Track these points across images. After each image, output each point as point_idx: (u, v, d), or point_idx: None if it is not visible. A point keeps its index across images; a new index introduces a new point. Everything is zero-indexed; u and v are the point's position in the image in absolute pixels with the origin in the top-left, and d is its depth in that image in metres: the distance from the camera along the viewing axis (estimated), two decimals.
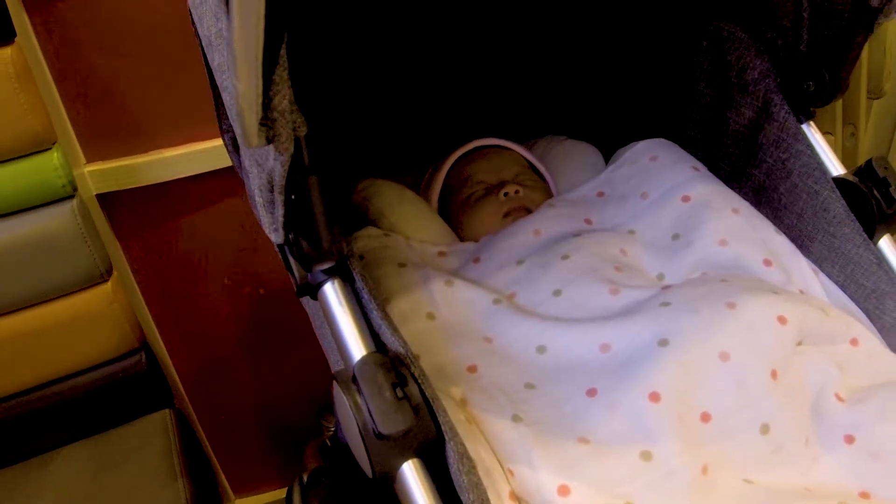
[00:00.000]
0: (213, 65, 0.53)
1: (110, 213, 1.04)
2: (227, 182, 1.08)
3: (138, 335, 1.02)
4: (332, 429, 1.23)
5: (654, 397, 0.51)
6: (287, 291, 1.20)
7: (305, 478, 0.90)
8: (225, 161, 1.03)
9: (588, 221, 0.75)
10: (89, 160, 1.01)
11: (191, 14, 0.58)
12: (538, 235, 0.72)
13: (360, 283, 0.49)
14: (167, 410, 1.06)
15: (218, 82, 0.53)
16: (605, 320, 0.58)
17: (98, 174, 1.00)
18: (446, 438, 0.44)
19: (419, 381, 0.45)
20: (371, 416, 0.42)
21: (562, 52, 0.87)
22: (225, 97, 0.51)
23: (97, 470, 1.00)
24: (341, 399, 0.45)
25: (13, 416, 0.99)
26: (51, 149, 0.88)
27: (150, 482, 0.97)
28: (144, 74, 1.00)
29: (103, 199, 1.02)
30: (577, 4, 0.83)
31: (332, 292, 0.48)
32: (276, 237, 0.47)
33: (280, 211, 0.44)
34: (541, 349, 0.58)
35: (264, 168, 0.43)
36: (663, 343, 0.54)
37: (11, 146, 0.85)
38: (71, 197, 0.91)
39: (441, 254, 0.73)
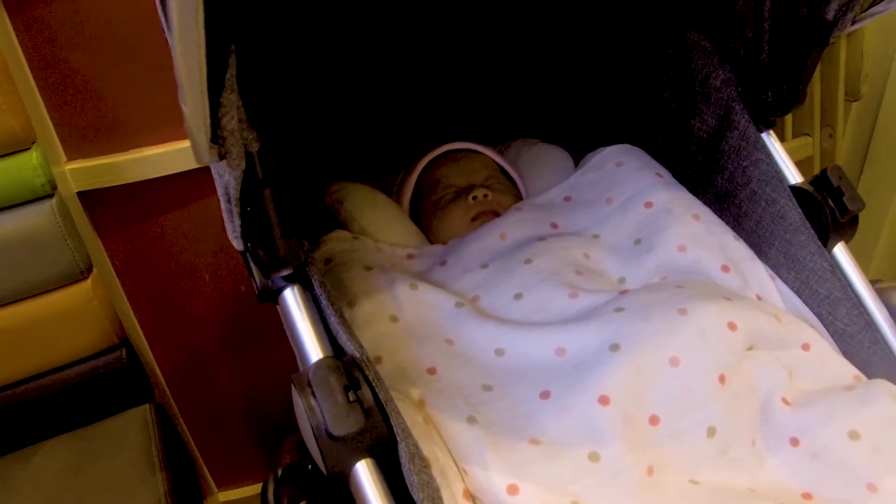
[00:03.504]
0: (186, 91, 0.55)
1: (91, 210, 1.06)
2: (207, 180, 1.08)
3: (118, 331, 1.04)
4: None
5: (604, 400, 0.53)
6: None
7: (280, 472, 0.92)
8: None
9: (554, 226, 0.76)
10: (70, 158, 1.02)
11: (162, 21, 0.59)
12: (504, 239, 0.73)
13: (318, 290, 0.51)
14: (147, 405, 1.08)
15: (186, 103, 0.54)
16: (562, 324, 0.60)
17: (79, 172, 1.01)
18: (398, 439, 0.46)
19: (373, 384, 0.47)
20: (323, 417, 0.44)
21: (534, 57, 0.89)
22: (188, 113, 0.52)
23: (78, 463, 1.02)
24: (297, 401, 0.46)
25: (10, 406, 1.01)
26: (30, 148, 0.89)
27: (130, 475, 0.98)
28: (125, 74, 1.01)
29: (84, 196, 1.03)
30: (550, 10, 0.85)
31: (291, 298, 0.50)
32: (237, 244, 0.49)
33: (237, 221, 0.46)
34: (499, 352, 0.60)
35: (221, 181, 0.45)
36: (614, 348, 0.56)
37: (5, 141, 0.86)
38: (50, 196, 0.92)
39: (409, 256, 0.75)
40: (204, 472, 1.38)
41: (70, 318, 1.00)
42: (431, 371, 0.59)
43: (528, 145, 0.90)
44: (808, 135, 1.41)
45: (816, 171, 0.72)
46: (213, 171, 0.51)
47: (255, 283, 0.51)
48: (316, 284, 0.50)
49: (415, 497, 0.46)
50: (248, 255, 0.50)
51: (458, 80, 0.87)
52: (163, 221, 1.13)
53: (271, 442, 1.39)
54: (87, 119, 1.02)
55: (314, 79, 0.79)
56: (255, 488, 1.45)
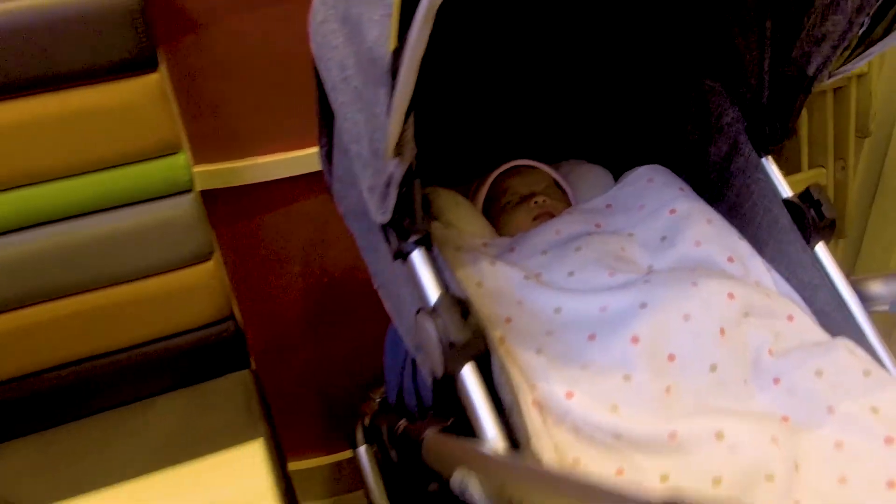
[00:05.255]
0: (335, 103, 0.76)
1: (209, 206, 1.28)
2: (305, 186, 1.32)
3: (229, 306, 1.26)
4: (378, 399, 1.45)
5: (635, 340, 0.74)
6: (346, 280, 1.44)
7: (366, 421, 1.12)
8: (304, 168, 1.28)
9: (598, 225, 0.97)
10: (197, 163, 1.25)
11: (314, 56, 0.81)
12: (558, 234, 0.94)
13: (436, 252, 0.72)
14: (247, 370, 1.29)
15: (339, 116, 0.76)
16: (605, 291, 0.81)
17: (203, 174, 1.24)
18: (492, 352, 0.67)
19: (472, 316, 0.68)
20: (446, 331, 0.65)
21: (585, 94, 1.10)
22: (347, 126, 0.74)
23: (189, 414, 1.21)
24: (424, 323, 0.67)
25: (126, 365, 1.23)
26: (178, 152, 1.12)
27: (234, 424, 1.18)
28: (243, 98, 1.23)
29: (205, 194, 1.26)
30: (599, 60, 1.06)
31: (419, 256, 0.72)
32: (383, 218, 0.70)
33: (393, 201, 0.67)
34: (557, 310, 0.81)
35: (384, 173, 0.66)
36: (643, 306, 0.77)
37: (153, 149, 1.09)
38: (189, 191, 1.15)
39: (485, 244, 0.96)
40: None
41: (193, 292, 1.21)
42: (508, 320, 0.80)
43: (577, 164, 1.12)
44: (822, 167, 1.57)
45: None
46: (364, 169, 0.72)
47: (391, 245, 0.73)
48: (435, 248, 0.72)
49: (502, 396, 0.67)
50: (389, 225, 0.72)
51: (522, 112, 1.09)
52: (264, 218, 1.35)
53: (336, 420, 1.59)
54: (211, 132, 1.24)
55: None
56: (318, 461, 1.64)
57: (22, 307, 1.14)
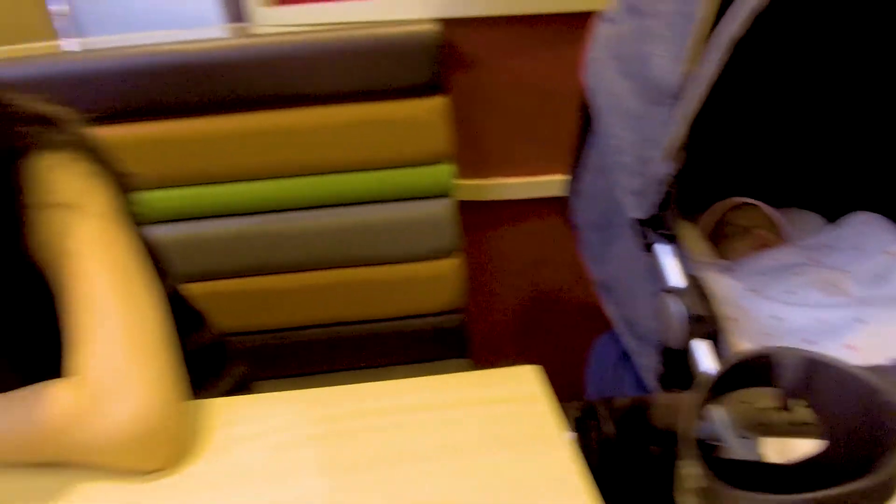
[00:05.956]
0: (602, 124, 0.95)
1: (461, 213, 1.50)
2: (536, 208, 1.52)
3: (463, 299, 1.47)
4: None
5: (852, 348, 0.85)
6: (558, 298, 1.61)
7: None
8: (538, 193, 1.48)
9: (815, 261, 1.08)
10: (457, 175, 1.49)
11: (586, 85, 1.01)
12: (776, 261, 1.07)
13: (682, 247, 0.88)
14: (466, 360, 1.49)
15: (604, 135, 0.95)
16: (822, 307, 0.93)
17: (460, 187, 1.47)
18: (722, 332, 0.81)
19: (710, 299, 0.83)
20: (693, 307, 0.80)
21: (824, 144, 1.21)
22: (612, 142, 0.92)
23: None
24: (669, 301, 0.83)
25: (365, 334, 1.46)
26: (445, 163, 1.36)
27: None
28: (503, 124, 1.45)
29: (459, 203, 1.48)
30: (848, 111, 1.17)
31: (666, 248, 0.88)
32: (642, 213, 0.88)
33: (656, 199, 0.84)
34: (777, 318, 0.93)
35: (652, 175, 0.83)
36: (859, 321, 0.88)
37: (426, 157, 1.33)
38: (449, 196, 1.38)
39: (713, 264, 1.11)
40: None
41: (435, 282, 1.43)
42: (733, 320, 0.93)
43: (798, 210, 1.24)
44: None
45: None
46: (632, 179, 0.89)
47: (643, 239, 0.89)
48: (678, 243, 0.88)
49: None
50: (644, 222, 0.88)
51: (762, 151, 1.23)
52: (501, 231, 1.56)
53: None
54: (471, 151, 1.46)
55: None
56: None
57: (300, 270, 1.40)
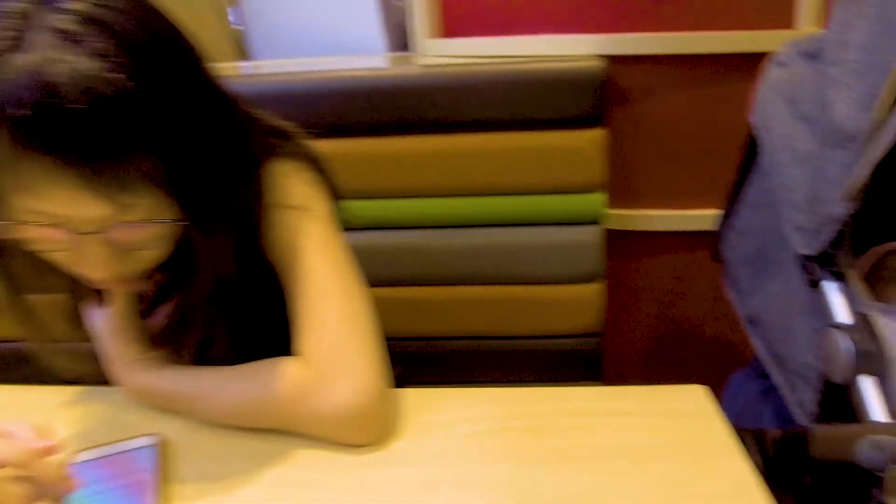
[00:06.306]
0: (771, 163, 0.99)
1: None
2: (681, 241, 1.55)
3: (600, 325, 1.52)
4: None
5: None
6: (690, 333, 1.64)
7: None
8: (685, 226, 1.52)
9: None
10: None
11: (754, 124, 1.05)
12: None
13: (849, 285, 0.91)
14: (599, 385, 1.54)
15: (774, 172, 0.99)
16: None
17: (609, 216, 1.53)
18: (889, 370, 0.83)
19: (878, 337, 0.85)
20: (862, 342, 0.83)
21: None
22: (782, 179, 0.96)
23: None
24: (836, 336, 0.86)
25: (504, 350, 1.53)
26: (598, 192, 1.42)
27: None
28: (658, 157, 1.51)
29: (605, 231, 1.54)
30: None
31: (834, 285, 0.91)
32: (811, 251, 0.91)
33: (826, 236, 0.88)
34: None
35: (824, 214, 0.87)
36: None
37: (581, 185, 1.39)
38: (598, 223, 1.44)
39: (875, 304, 1.11)
40: None
41: (575, 306, 1.49)
42: None
43: None
44: None
45: None
46: (809, 218, 0.93)
47: (809, 273, 0.92)
48: (849, 283, 0.90)
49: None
50: (812, 258, 0.92)
51: None
52: (644, 261, 1.60)
53: None
54: (622, 184, 1.52)
55: None
56: None
57: (451, 284, 1.49)
